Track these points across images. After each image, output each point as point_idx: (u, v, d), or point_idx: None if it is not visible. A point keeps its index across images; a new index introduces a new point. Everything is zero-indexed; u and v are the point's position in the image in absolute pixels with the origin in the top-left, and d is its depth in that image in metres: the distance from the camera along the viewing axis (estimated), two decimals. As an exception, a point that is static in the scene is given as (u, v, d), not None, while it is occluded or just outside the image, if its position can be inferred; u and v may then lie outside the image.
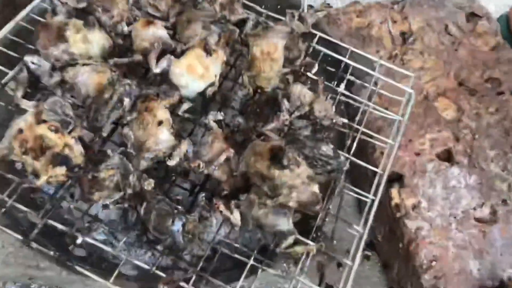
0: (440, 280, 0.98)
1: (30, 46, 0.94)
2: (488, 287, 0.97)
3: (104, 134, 0.86)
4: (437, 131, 1.16)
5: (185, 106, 0.94)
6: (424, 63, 1.27)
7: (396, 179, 1.09)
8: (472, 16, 1.39)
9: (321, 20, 1.29)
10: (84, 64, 0.90)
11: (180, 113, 0.94)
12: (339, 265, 1.18)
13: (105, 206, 0.82)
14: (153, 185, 0.78)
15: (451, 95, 1.22)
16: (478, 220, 1.05)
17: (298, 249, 0.80)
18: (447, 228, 1.03)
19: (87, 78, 0.88)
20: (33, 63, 0.90)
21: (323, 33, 1.13)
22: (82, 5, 0.95)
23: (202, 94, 0.92)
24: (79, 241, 0.79)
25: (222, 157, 0.82)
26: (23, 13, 0.98)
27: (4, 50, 0.95)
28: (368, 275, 1.18)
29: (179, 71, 0.89)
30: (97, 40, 0.92)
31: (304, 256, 0.83)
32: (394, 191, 1.07)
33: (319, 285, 1.15)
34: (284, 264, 0.92)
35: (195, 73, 0.89)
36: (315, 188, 0.80)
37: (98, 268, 0.89)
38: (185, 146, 0.83)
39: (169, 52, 0.91)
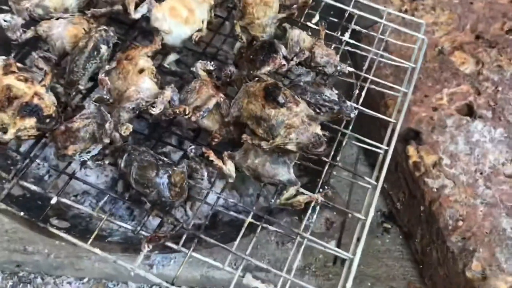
0: (469, 241, 0.86)
1: (5, 7, 0.88)
2: (526, 245, 0.85)
3: (81, 87, 0.77)
4: (455, 85, 1.05)
5: (172, 57, 0.86)
6: (437, 18, 1.17)
7: (412, 137, 0.98)
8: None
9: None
10: (59, 18, 0.83)
11: (166, 64, 0.86)
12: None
13: (83, 164, 0.73)
14: (131, 129, 0.69)
15: (468, 49, 1.11)
16: (509, 176, 0.93)
17: (301, 198, 0.69)
18: (473, 185, 0.92)
19: (62, 31, 0.81)
20: (5, 20, 0.83)
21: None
22: (57, -45, 0.87)
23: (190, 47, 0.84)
24: (53, 201, 0.70)
25: (212, 102, 0.73)
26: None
27: (-23, 11, 0.88)
28: (389, 248, 1.06)
29: (160, 15, 0.80)
30: (73, -9, 0.84)
31: (309, 211, 0.73)
32: (411, 149, 0.96)
33: (334, 262, 1.04)
34: (285, 219, 0.82)
35: (178, 16, 0.81)
36: (317, 129, 0.70)
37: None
38: (169, 93, 0.74)
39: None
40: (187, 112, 0.71)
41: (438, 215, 0.90)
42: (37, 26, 0.82)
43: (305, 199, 0.70)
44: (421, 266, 1.01)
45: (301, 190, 0.73)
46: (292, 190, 0.70)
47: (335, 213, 0.83)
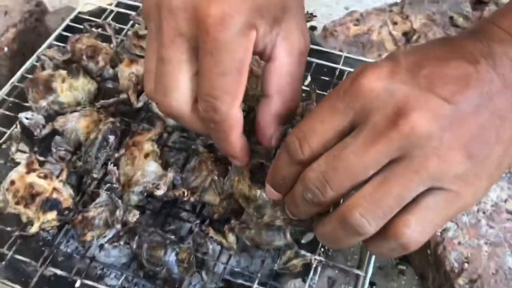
0: (475, 283, 0.88)
1: (26, 104, 0.98)
2: (531, 283, 0.87)
3: (95, 175, 0.86)
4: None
5: (175, 136, 0.94)
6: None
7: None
8: (478, 3, 1.32)
9: (314, 35, 1.27)
10: (72, 112, 0.92)
11: (170, 143, 0.94)
12: (372, 284, 1.11)
13: (101, 246, 0.81)
14: (137, 216, 0.77)
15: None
16: (511, 212, 0.95)
17: (295, 261, 0.75)
18: (476, 225, 0.94)
19: (76, 124, 0.90)
20: (26, 118, 0.93)
21: (317, 46, 1.10)
22: (67, 56, 0.98)
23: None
24: (77, 284, 0.78)
25: (207, 181, 0.80)
26: (17, 75, 1.03)
27: (3, 111, 0.99)
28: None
29: (159, 102, 0.89)
30: (82, 86, 0.94)
31: (311, 273, 0.78)
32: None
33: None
34: (292, 285, 0.87)
35: None
36: None
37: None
38: (171, 175, 0.81)
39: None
40: (185, 195, 0.78)
41: (444, 259, 0.92)
42: (54, 121, 0.91)
43: (300, 262, 0.75)
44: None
45: (303, 252, 0.78)
46: (289, 254, 0.76)
47: (337, 271, 0.87)
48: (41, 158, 0.91)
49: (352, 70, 1.04)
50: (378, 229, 0.49)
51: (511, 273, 0.88)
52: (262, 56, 0.60)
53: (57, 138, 0.95)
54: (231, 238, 0.78)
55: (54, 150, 0.88)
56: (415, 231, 0.48)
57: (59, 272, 0.79)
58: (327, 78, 1.04)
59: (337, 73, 1.04)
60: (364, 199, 0.47)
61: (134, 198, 0.83)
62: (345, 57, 1.07)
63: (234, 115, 0.55)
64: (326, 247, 0.82)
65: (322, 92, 0.99)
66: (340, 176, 0.48)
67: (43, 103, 0.92)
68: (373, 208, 0.47)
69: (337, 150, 0.48)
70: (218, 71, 0.51)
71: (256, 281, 0.78)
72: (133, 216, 0.76)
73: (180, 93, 0.55)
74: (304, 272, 0.79)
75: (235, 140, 0.58)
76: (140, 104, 0.89)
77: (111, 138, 0.86)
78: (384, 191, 0.47)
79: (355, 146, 0.47)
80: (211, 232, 0.76)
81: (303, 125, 0.51)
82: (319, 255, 0.78)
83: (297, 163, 0.51)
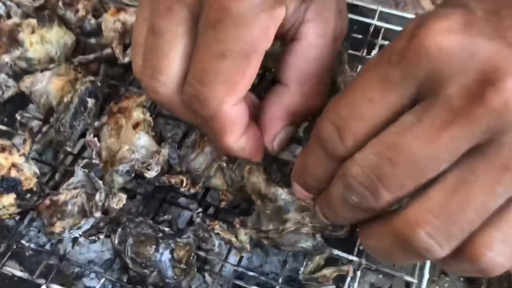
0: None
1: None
2: None
3: (69, 149, 0.67)
4: None
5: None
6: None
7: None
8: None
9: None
10: (43, 70, 0.73)
11: (166, 112, 0.75)
12: (407, 285, 0.92)
13: (75, 240, 0.62)
14: (124, 201, 0.58)
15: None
16: None
17: (327, 272, 0.56)
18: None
19: (46, 85, 0.71)
20: (-14, 78, 0.74)
21: (346, 0, 0.91)
22: (39, 3, 0.78)
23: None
24: (42, 288, 0.60)
25: (212, 169, 0.60)
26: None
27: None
28: (446, 294, 0.91)
29: (153, 57, 0.70)
30: (57, 39, 0.75)
31: (348, 279, 0.60)
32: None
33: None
34: (323, 291, 0.68)
35: None
36: None
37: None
38: (166, 151, 0.62)
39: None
40: (184, 184, 0.59)
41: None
42: (20, 82, 0.73)
43: (333, 273, 0.56)
44: (489, 316, 0.85)
45: (337, 252, 0.60)
46: (318, 259, 0.57)
47: (381, 276, 0.69)
48: (3, 127, 0.73)
49: (389, 26, 0.85)
50: (451, 251, 0.36)
51: None
52: (285, 36, 0.46)
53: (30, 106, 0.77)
54: (244, 235, 0.59)
55: (18, 117, 0.69)
56: (500, 254, 0.35)
57: (18, 273, 0.61)
58: (359, 36, 0.85)
59: (371, 30, 0.85)
60: (433, 213, 0.34)
61: (119, 180, 0.64)
62: (381, 11, 0.88)
63: (228, 113, 0.43)
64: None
65: (354, 52, 0.81)
66: (399, 172, 0.34)
67: (6, 58, 0.73)
68: (446, 225, 0.34)
69: (393, 135, 0.34)
70: (216, 50, 0.39)
71: (277, 288, 0.60)
72: (119, 202, 0.58)
73: (169, 76, 0.44)
74: (339, 277, 0.61)
75: (232, 143, 0.46)
76: (127, 59, 0.71)
77: (90, 101, 0.67)
78: (462, 200, 0.34)
79: (421, 129, 0.33)
80: (217, 228, 0.58)
81: (342, 106, 0.37)
82: (357, 255, 0.60)
83: (335, 158, 0.38)
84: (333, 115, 0.37)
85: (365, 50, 0.82)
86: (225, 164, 0.59)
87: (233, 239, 0.58)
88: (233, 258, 0.64)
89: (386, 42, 0.84)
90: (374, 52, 0.82)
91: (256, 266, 0.77)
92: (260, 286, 0.61)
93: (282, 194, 0.52)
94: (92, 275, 0.77)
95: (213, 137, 0.47)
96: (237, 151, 0.48)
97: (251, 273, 0.62)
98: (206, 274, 0.77)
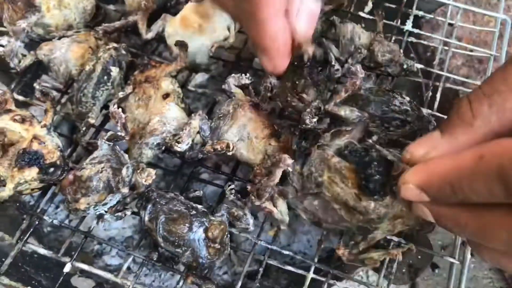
0: None
1: (1, 29, 0.74)
2: None
3: (92, 120, 0.63)
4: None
5: (199, 77, 0.71)
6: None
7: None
8: None
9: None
10: (61, 37, 0.69)
11: (191, 87, 0.71)
12: (434, 266, 0.90)
13: (100, 217, 0.59)
14: (154, 176, 0.55)
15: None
16: None
17: (375, 255, 0.53)
18: None
19: (66, 52, 0.67)
20: (1, 45, 0.70)
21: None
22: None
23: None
24: (66, 269, 0.57)
25: (277, 175, 0.53)
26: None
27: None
28: (475, 275, 0.88)
29: (172, 30, 0.65)
30: (75, 3, 0.70)
31: (387, 258, 0.57)
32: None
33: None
34: (361, 272, 0.65)
35: (190, 26, 0.65)
36: None
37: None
38: (197, 122, 0.58)
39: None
40: (231, 148, 0.56)
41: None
42: (37, 49, 0.68)
43: (381, 256, 0.53)
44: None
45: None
46: (364, 242, 0.54)
47: (419, 257, 0.66)
48: (20, 98, 0.69)
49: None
50: None
51: None
52: None
53: (44, 76, 0.73)
54: (283, 206, 0.56)
55: (37, 86, 0.65)
56: None
57: (41, 250, 0.58)
58: (392, 6, 0.80)
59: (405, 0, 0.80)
60: None
61: (148, 153, 0.60)
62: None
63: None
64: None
65: (388, 22, 0.76)
66: None
67: (23, 24, 0.68)
68: None
69: None
70: None
71: (312, 269, 0.57)
72: (147, 177, 0.54)
73: None
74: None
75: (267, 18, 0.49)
76: (150, 35, 0.66)
77: (114, 70, 0.64)
78: None
79: None
80: (256, 199, 0.54)
81: None
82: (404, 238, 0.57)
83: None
84: None
85: (399, 20, 0.77)
86: (290, 168, 0.54)
87: (274, 209, 0.54)
88: (263, 236, 0.61)
89: (420, 12, 0.80)
90: (408, 22, 0.77)
91: (284, 245, 0.75)
92: (293, 265, 0.58)
93: (376, 208, 0.49)
94: (113, 252, 0.74)
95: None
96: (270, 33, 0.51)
97: (286, 252, 0.58)
98: (232, 252, 0.74)
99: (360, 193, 0.49)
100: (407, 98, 0.64)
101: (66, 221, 0.73)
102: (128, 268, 0.68)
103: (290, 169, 0.54)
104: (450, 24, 0.79)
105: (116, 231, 0.75)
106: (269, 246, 0.59)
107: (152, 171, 0.54)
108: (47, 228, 0.71)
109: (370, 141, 0.54)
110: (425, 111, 0.64)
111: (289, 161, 0.54)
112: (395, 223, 0.50)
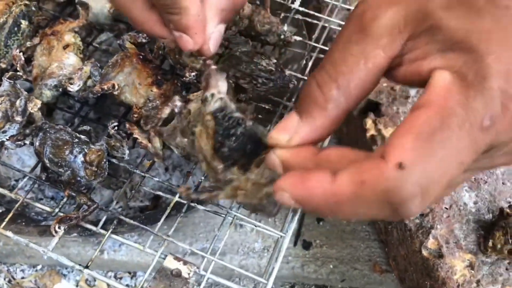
0: (426, 217, 0.80)
1: None
2: (486, 220, 0.79)
3: (3, 65, 0.74)
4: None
5: (103, 36, 0.82)
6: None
7: (371, 109, 0.93)
8: None
9: None
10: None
11: (95, 44, 0.82)
12: (319, 220, 1.02)
13: (1, 145, 0.70)
14: (39, 105, 0.66)
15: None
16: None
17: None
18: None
19: (-16, 8, 0.77)
20: None
21: None
22: None
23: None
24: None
25: (165, 111, 0.62)
26: None
27: None
28: (355, 228, 1.01)
29: (79, -7, 0.77)
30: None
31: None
32: (369, 121, 0.90)
33: (295, 243, 0.99)
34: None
35: None
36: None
37: None
38: (88, 68, 0.70)
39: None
40: (116, 88, 0.67)
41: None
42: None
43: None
44: (386, 247, 0.96)
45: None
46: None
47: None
48: None
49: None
50: None
51: (466, 208, 0.80)
52: None
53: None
54: (157, 143, 0.67)
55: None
56: None
57: None
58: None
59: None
60: None
61: (47, 93, 0.71)
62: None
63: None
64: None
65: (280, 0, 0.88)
66: None
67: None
68: None
69: None
70: None
71: (178, 194, 0.69)
72: (34, 106, 0.65)
73: None
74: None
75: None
76: (62, -2, 0.77)
77: (24, 23, 0.74)
78: None
79: None
80: (136, 132, 0.65)
81: (432, 166, 0.34)
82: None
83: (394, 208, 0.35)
84: (423, 178, 0.34)
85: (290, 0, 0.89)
86: (178, 107, 0.61)
87: (149, 144, 0.65)
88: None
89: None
90: (297, 2, 0.89)
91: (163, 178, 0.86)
92: (166, 191, 0.69)
93: (224, 171, 0.53)
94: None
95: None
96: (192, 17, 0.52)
97: (156, 179, 0.70)
98: (128, 189, 0.85)
99: (215, 156, 0.54)
100: (274, 60, 0.76)
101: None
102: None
103: (176, 110, 0.64)
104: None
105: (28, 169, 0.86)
106: (143, 174, 0.70)
107: (38, 101, 0.65)
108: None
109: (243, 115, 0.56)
110: (288, 73, 0.76)
111: (179, 102, 0.64)
112: (238, 193, 0.54)
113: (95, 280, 0.98)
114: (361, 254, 0.97)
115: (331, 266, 0.96)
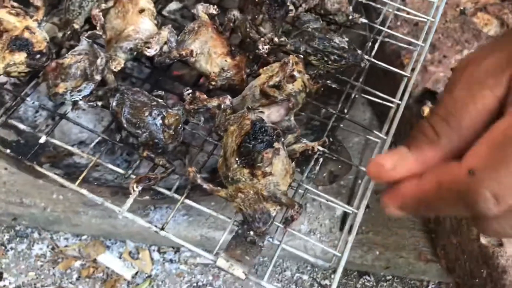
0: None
1: None
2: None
3: (77, 26, 0.73)
4: (477, 47, 0.99)
5: (173, 5, 0.82)
6: (460, -22, 1.11)
7: (428, 97, 0.93)
8: None
9: None
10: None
11: (165, 13, 0.82)
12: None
13: (75, 104, 0.69)
14: (122, 64, 0.65)
15: (492, 10, 1.04)
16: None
17: (296, 146, 0.64)
18: None
19: (61, -32, 0.77)
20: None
21: None
22: None
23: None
24: (42, 140, 0.67)
25: (212, 103, 0.64)
26: None
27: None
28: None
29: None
30: None
31: (312, 162, 0.69)
32: (426, 109, 0.90)
33: (341, 228, 0.99)
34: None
35: None
36: (271, 209, 0.59)
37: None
38: (166, 33, 0.69)
39: None
40: (194, 55, 0.67)
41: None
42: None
43: (300, 148, 0.65)
44: (433, 236, 0.96)
45: (304, 140, 0.68)
46: (290, 138, 0.66)
47: (340, 166, 0.78)
48: (15, 4, 0.79)
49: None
50: None
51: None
52: None
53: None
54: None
55: (31, -7, 0.74)
56: None
57: (21, 126, 0.68)
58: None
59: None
60: None
61: (121, 56, 0.71)
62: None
63: None
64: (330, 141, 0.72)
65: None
66: None
67: None
68: None
69: None
70: None
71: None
72: (117, 65, 0.65)
73: None
74: (303, 162, 0.70)
75: None
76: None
77: (100, -15, 0.74)
78: None
79: None
80: (206, 99, 0.65)
81: (499, 175, 0.37)
82: (323, 146, 0.69)
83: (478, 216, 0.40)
84: (492, 183, 0.37)
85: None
86: (225, 103, 0.65)
87: (217, 110, 0.65)
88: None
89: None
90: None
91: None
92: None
93: (236, 170, 0.58)
94: (85, 135, 0.84)
95: None
96: None
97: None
98: (186, 161, 0.85)
99: (236, 152, 0.58)
100: (346, 39, 0.76)
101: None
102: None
103: (223, 106, 0.65)
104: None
105: (87, 135, 0.86)
106: (217, 142, 0.70)
107: (121, 60, 0.65)
108: (27, 111, 0.81)
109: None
110: (361, 52, 0.76)
111: (228, 101, 0.65)
112: (238, 195, 0.58)
113: (138, 253, 0.98)
114: (406, 242, 0.97)
115: (377, 253, 0.96)
